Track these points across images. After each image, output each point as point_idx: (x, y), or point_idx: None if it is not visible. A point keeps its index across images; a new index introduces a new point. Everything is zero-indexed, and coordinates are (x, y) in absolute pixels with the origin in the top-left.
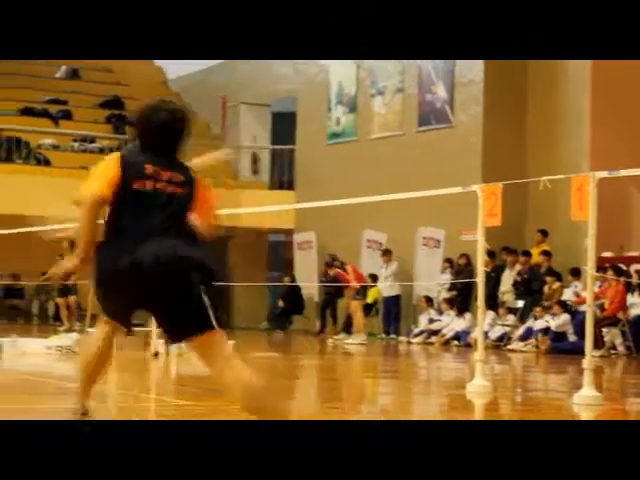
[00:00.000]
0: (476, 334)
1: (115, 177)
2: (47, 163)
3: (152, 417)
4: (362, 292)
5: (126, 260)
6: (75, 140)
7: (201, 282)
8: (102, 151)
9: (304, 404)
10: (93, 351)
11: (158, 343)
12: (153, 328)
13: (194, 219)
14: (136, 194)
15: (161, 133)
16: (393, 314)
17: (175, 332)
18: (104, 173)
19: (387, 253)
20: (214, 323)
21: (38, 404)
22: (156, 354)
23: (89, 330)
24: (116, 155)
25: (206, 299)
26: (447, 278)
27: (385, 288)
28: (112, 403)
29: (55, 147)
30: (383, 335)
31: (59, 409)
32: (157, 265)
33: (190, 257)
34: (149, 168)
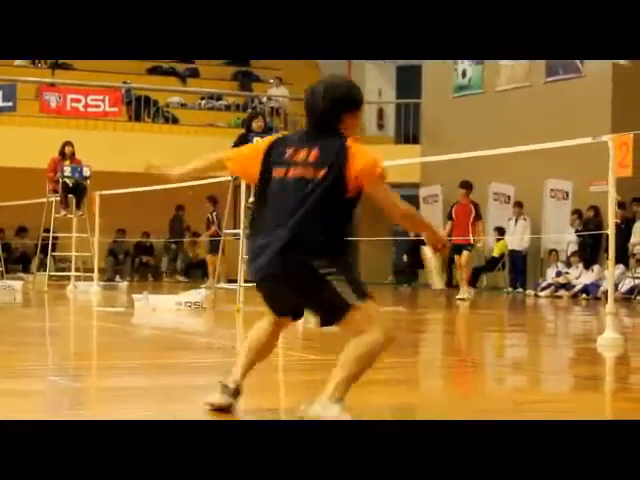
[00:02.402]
0: (606, 287)
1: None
2: (175, 121)
3: (280, 370)
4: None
5: (252, 265)
6: (202, 98)
7: (312, 265)
8: (228, 108)
9: (431, 357)
10: (255, 338)
11: None
12: None
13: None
14: (272, 181)
15: (306, 112)
16: (520, 267)
17: (320, 320)
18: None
19: (518, 205)
20: (350, 300)
21: (175, 359)
22: None
23: (219, 285)
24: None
25: (332, 279)
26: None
27: (513, 242)
28: None
29: (182, 105)
30: (509, 289)
31: (192, 363)
32: (267, 269)
33: (292, 244)
34: (288, 152)
